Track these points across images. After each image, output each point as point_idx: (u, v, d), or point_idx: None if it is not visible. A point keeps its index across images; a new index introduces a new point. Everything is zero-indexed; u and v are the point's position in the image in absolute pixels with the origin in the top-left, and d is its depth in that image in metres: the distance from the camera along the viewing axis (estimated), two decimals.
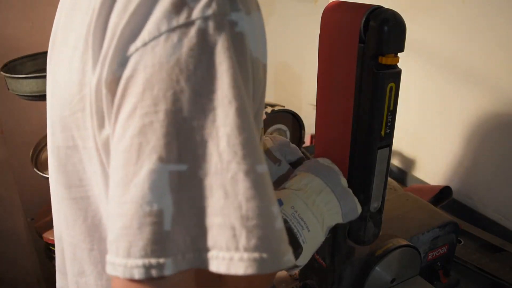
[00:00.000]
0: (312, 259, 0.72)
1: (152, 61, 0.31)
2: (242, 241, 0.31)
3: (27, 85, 0.97)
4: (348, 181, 0.61)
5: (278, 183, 0.66)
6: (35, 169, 1.13)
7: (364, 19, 0.53)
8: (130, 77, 0.32)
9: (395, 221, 0.79)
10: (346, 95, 0.58)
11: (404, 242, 0.71)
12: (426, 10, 1.20)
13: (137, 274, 0.30)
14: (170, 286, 0.31)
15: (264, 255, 0.31)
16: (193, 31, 0.31)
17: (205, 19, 0.32)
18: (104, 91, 0.34)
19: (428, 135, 1.28)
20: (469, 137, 1.14)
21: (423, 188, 1.17)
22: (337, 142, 0.62)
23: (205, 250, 0.31)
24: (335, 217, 0.57)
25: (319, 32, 0.60)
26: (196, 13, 0.32)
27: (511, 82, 1.02)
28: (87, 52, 0.36)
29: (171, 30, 0.31)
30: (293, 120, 1.07)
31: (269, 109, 1.03)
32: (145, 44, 0.32)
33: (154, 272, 0.30)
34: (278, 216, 0.33)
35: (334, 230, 0.64)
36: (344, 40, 0.56)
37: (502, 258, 0.96)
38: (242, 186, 0.31)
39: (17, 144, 1.30)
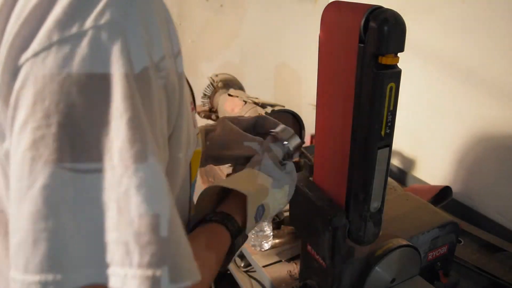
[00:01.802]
0: (312, 259, 0.72)
1: (43, 73, 0.30)
2: (135, 258, 0.30)
3: None
4: (348, 181, 0.61)
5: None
6: None
7: (364, 19, 0.53)
8: (21, 89, 0.31)
9: (395, 221, 0.79)
10: (346, 95, 0.58)
11: (404, 242, 0.71)
12: (426, 10, 1.20)
13: None
14: None
15: (158, 272, 0.30)
16: (85, 41, 0.30)
17: (98, 28, 0.31)
18: (0, 102, 0.33)
19: (428, 135, 1.28)
20: (469, 137, 1.14)
21: (423, 188, 1.17)
22: (337, 142, 0.62)
23: (103, 265, 0.31)
24: (283, 201, 0.58)
25: (319, 32, 0.60)
26: (89, 22, 0.31)
27: (511, 82, 1.02)
28: None
29: (63, 40, 0.30)
30: (293, 120, 1.07)
31: (269, 109, 1.03)
32: (35, 55, 0.31)
33: None
34: (176, 230, 0.33)
35: (334, 230, 0.64)
36: (344, 40, 0.56)
37: (502, 258, 0.96)
38: (134, 201, 0.30)
39: None
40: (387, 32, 0.51)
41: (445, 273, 0.83)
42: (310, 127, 0.98)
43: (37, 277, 0.29)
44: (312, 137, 1.58)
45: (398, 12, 0.52)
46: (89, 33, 0.31)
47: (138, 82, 0.32)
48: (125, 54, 0.31)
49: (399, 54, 0.53)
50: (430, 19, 1.19)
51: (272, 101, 1.10)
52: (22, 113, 0.31)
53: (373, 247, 0.70)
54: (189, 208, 0.52)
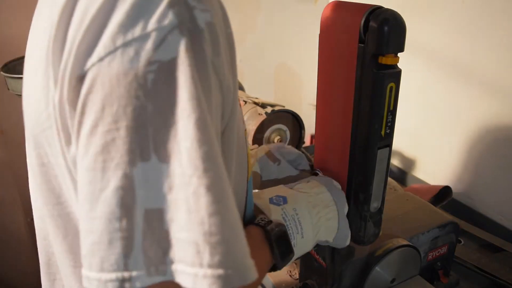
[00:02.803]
0: (312, 259, 0.72)
1: (109, 77, 0.31)
2: (206, 258, 0.31)
3: None
4: (348, 181, 0.61)
5: (285, 181, 0.67)
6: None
7: (364, 19, 0.53)
8: (88, 94, 0.32)
9: (395, 221, 0.79)
10: (346, 95, 0.58)
11: (404, 242, 0.71)
12: (426, 10, 1.20)
13: (111, 287, 0.31)
14: None
15: (229, 271, 0.31)
16: (149, 43, 0.31)
17: (161, 30, 0.31)
18: (67, 107, 0.34)
19: (428, 135, 1.28)
20: (469, 137, 1.14)
21: (423, 188, 1.17)
22: (337, 142, 0.62)
23: (174, 264, 0.32)
24: (329, 235, 0.58)
25: (319, 32, 0.60)
26: (152, 24, 0.31)
27: (511, 82, 1.02)
28: (48, 67, 0.35)
29: (127, 43, 0.31)
30: (293, 120, 1.07)
31: (269, 109, 1.03)
32: (101, 59, 0.31)
33: (127, 285, 0.31)
34: (241, 230, 0.34)
35: None
36: (344, 40, 0.56)
37: (502, 258, 0.96)
38: (204, 201, 0.31)
39: (17, 144, 1.30)
40: (387, 32, 0.51)
41: (445, 273, 0.83)
42: (310, 127, 0.98)
43: (113, 275, 0.31)
44: (312, 137, 1.58)
45: (398, 12, 0.52)
46: (153, 35, 0.31)
47: (202, 82, 0.32)
48: (189, 54, 0.31)
49: (399, 54, 0.53)
50: (430, 19, 1.19)
51: (272, 101, 1.10)
52: (90, 118, 0.32)
53: (373, 247, 0.70)
54: (245, 206, 0.52)
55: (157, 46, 0.31)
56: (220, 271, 0.31)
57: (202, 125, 0.32)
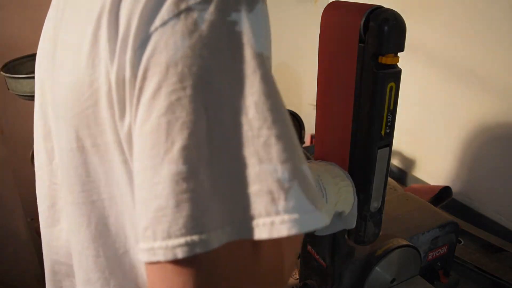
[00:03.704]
0: (312, 259, 0.72)
1: (174, 39, 0.31)
2: (281, 204, 0.31)
3: (27, 85, 0.97)
4: None
5: None
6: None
7: (364, 19, 0.53)
8: (151, 57, 0.32)
9: (395, 221, 0.79)
10: (346, 95, 0.58)
11: (404, 242, 0.71)
12: (426, 9, 1.20)
13: (180, 253, 0.30)
14: (212, 261, 0.31)
15: (305, 215, 0.31)
16: (212, 6, 0.32)
17: None
18: (127, 75, 0.34)
19: (428, 135, 1.28)
20: (469, 137, 1.14)
21: (423, 188, 1.17)
22: (337, 142, 0.62)
23: (245, 220, 0.31)
24: (346, 207, 0.59)
25: (319, 32, 0.60)
26: None
27: (511, 82, 1.02)
28: (96, 46, 0.36)
29: (191, 7, 0.31)
30: (293, 120, 1.07)
31: None
32: (164, 23, 0.32)
33: (198, 249, 0.30)
34: (311, 175, 0.34)
35: None
36: (344, 40, 0.56)
37: (502, 258, 0.96)
38: (275, 149, 0.31)
39: (17, 144, 1.30)
40: (387, 32, 0.51)
41: (445, 273, 0.83)
42: (310, 127, 0.98)
43: (182, 240, 0.30)
44: (312, 137, 1.58)
45: (398, 12, 0.52)
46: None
47: (262, 40, 0.34)
48: (250, 15, 0.33)
49: (399, 54, 0.53)
50: (431, 18, 1.19)
51: None
52: (153, 81, 0.32)
53: (373, 247, 0.70)
54: None
55: (220, 9, 0.32)
56: (296, 215, 0.31)
57: (267, 79, 0.32)
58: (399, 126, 0.60)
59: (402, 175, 1.35)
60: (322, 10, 0.59)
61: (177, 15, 0.31)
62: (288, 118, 0.34)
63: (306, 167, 0.34)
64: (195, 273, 0.31)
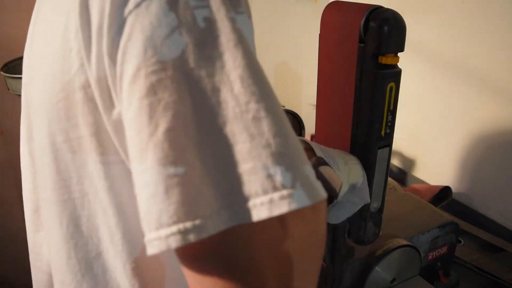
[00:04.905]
0: None
1: (149, 20, 0.30)
2: (278, 179, 0.29)
3: None
4: None
5: None
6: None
7: (364, 19, 0.53)
8: (128, 41, 0.31)
9: (395, 221, 0.79)
10: (346, 95, 0.58)
11: (404, 242, 0.71)
12: (426, 10, 1.20)
13: (174, 242, 0.27)
14: (211, 249, 0.29)
15: (303, 189, 0.29)
16: None
17: None
18: (107, 62, 0.32)
19: (428, 135, 1.28)
20: (469, 137, 1.14)
21: (423, 188, 1.17)
22: (337, 142, 0.62)
23: (241, 202, 0.29)
24: (359, 178, 0.59)
25: (319, 32, 0.60)
26: None
27: (511, 82, 1.02)
28: (66, 38, 0.35)
29: None
30: (293, 120, 1.07)
31: None
32: (137, 5, 0.31)
33: (191, 237, 0.27)
34: (303, 150, 0.32)
35: (334, 230, 0.64)
36: (344, 40, 0.56)
37: (502, 258, 0.96)
38: (266, 123, 0.29)
39: (17, 144, 1.30)
40: (387, 32, 0.51)
41: (445, 273, 0.83)
42: (310, 127, 0.98)
43: (174, 227, 0.28)
44: (312, 137, 1.58)
45: (398, 12, 0.52)
46: None
47: (240, 17, 0.32)
48: None
49: (399, 54, 0.53)
50: (430, 19, 1.19)
51: None
52: (132, 63, 0.30)
53: (373, 247, 0.70)
54: None
55: None
56: (296, 189, 0.29)
57: (250, 54, 0.31)
58: (399, 126, 0.60)
59: (402, 175, 1.35)
60: (322, 10, 0.59)
61: None
62: (273, 91, 0.32)
63: (297, 140, 0.32)
64: (224, 262, 0.29)
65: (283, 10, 1.52)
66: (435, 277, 0.82)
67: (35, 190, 0.47)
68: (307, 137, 1.58)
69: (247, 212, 0.28)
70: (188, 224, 0.28)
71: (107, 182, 0.38)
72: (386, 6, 0.54)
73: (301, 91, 1.68)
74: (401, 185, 1.24)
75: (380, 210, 0.62)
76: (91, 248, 0.41)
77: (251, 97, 0.30)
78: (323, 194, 0.31)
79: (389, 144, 0.58)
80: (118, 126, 0.34)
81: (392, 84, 0.54)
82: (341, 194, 0.55)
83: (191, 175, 0.28)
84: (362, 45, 0.53)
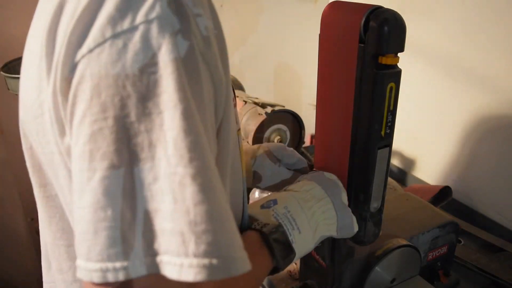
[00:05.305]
0: (312, 259, 0.72)
1: (98, 68, 0.31)
2: (191, 247, 0.31)
3: None
4: (348, 181, 0.61)
5: (281, 186, 0.66)
6: None
7: (364, 19, 0.53)
8: (78, 84, 0.32)
9: (395, 221, 0.79)
10: (346, 95, 0.58)
11: (404, 242, 0.71)
12: (426, 10, 1.20)
13: (96, 278, 0.31)
14: None
15: (214, 261, 0.31)
16: (137, 36, 0.31)
17: (148, 22, 0.31)
18: (59, 98, 0.34)
19: (428, 135, 1.28)
20: (469, 137, 1.14)
21: (423, 188, 1.17)
22: (337, 142, 0.62)
23: (160, 255, 0.31)
24: (330, 228, 0.56)
25: (319, 32, 0.60)
26: (140, 17, 0.31)
27: (510, 82, 1.02)
28: (42, 58, 0.36)
29: (116, 35, 0.31)
30: (293, 120, 1.07)
31: (269, 109, 1.03)
32: (90, 51, 0.32)
33: (110, 276, 0.31)
34: (228, 220, 0.33)
35: None
36: (344, 40, 0.56)
37: (502, 258, 0.96)
38: (190, 190, 0.31)
39: (17, 144, 1.29)
40: (387, 32, 0.51)
41: (445, 273, 0.83)
42: (310, 127, 0.98)
43: (98, 265, 0.31)
44: (312, 137, 1.58)
45: (398, 12, 0.52)
46: (141, 28, 0.31)
47: (188, 74, 0.33)
48: (175, 47, 0.32)
49: (399, 54, 0.53)
50: (430, 19, 1.19)
51: (272, 101, 1.10)
52: (80, 108, 0.32)
53: (373, 247, 0.70)
54: (243, 203, 0.52)
55: (145, 39, 0.31)
56: (205, 261, 0.31)
57: (188, 115, 0.32)
58: (399, 126, 0.60)
59: (402, 175, 1.35)
60: (322, 10, 0.59)
61: (102, 43, 0.31)
62: (207, 156, 0.33)
63: (226, 209, 0.33)
64: None
65: (283, 10, 1.52)
66: (435, 277, 0.82)
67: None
68: (307, 137, 1.58)
69: (163, 265, 0.31)
70: (110, 265, 0.31)
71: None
72: (386, 6, 0.54)
73: (301, 91, 1.68)
74: (401, 185, 1.24)
75: (380, 210, 0.62)
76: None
77: (180, 161, 0.31)
78: (241, 268, 0.33)
79: (389, 144, 0.58)
80: (69, 152, 0.36)
81: (392, 84, 0.54)
82: (304, 254, 0.55)
83: (118, 221, 0.31)
84: (362, 45, 0.53)
